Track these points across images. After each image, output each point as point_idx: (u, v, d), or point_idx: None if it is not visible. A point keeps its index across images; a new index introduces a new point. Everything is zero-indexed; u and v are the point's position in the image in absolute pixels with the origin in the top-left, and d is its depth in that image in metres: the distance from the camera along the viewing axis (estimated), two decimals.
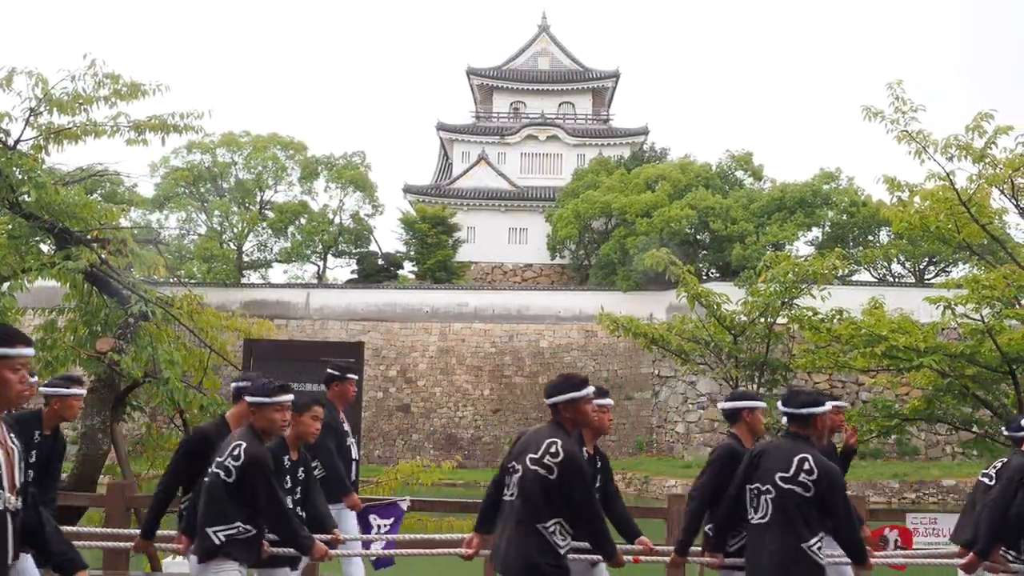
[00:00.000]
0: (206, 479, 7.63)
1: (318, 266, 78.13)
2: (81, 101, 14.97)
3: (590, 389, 7.86)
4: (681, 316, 22.90)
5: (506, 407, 61.44)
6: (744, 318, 21.62)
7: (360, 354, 14.17)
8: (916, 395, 21.60)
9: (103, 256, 15.11)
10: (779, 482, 7.88)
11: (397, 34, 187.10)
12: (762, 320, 21.48)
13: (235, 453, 7.53)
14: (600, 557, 8.20)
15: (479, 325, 64.64)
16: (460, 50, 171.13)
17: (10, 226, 15.22)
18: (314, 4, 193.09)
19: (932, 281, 60.92)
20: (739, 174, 72.95)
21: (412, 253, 75.00)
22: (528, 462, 7.51)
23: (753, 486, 8.09)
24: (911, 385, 21.14)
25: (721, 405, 9.41)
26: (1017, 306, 18.20)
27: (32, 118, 15.03)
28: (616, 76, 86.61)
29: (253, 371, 13.74)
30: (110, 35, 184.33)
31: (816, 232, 67.63)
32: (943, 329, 19.70)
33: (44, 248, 15.79)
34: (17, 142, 14.90)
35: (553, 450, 7.48)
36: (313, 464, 9.27)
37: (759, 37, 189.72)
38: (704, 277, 59.85)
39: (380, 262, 75.53)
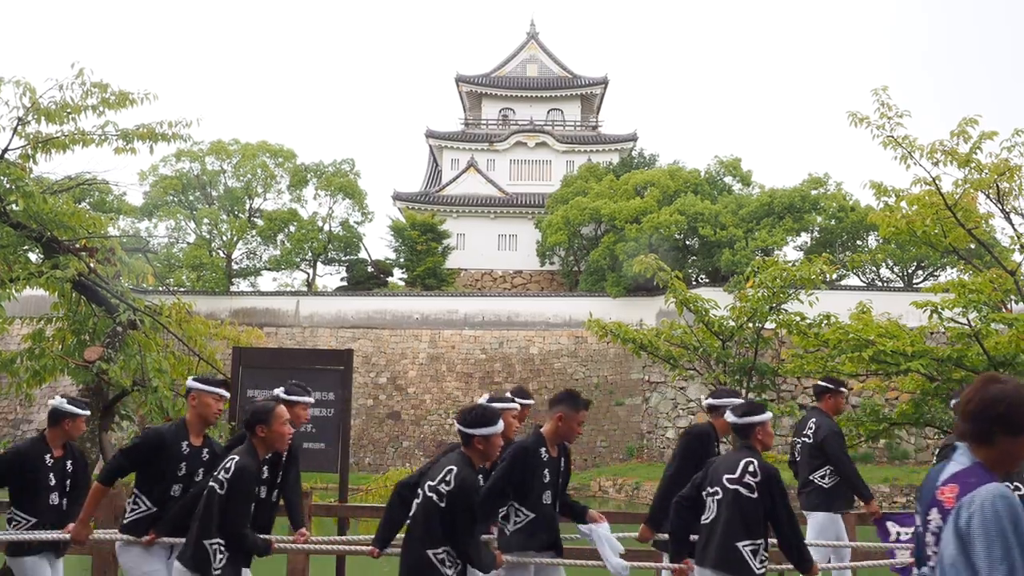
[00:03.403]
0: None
1: (307, 274, 78.15)
2: (69, 110, 14.96)
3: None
4: (670, 321, 22.92)
5: None
6: (732, 323, 21.65)
7: (349, 361, 14.21)
8: (905, 399, 21.66)
9: (91, 265, 15.11)
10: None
11: (386, 42, 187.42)
12: (750, 325, 21.51)
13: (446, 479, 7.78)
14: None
15: (469, 332, 64.68)
16: (449, 57, 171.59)
17: None
18: (303, 13, 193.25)
19: (920, 285, 61.15)
20: (728, 179, 73.15)
21: (402, 260, 75.15)
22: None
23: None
24: (899, 389, 21.17)
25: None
26: (1003, 310, 18.29)
27: (20, 127, 15.02)
28: (605, 82, 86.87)
29: (241, 380, 13.78)
30: (99, 45, 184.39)
31: (805, 237, 67.89)
32: (932, 333, 19.76)
33: (32, 257, 15.77)
34: (4, 151, 14.89)
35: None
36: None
37: (746, 43, 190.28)
38: (693, 283, 60.04)
39: (370, 269, 75.61)
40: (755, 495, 8.17)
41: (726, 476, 8.33)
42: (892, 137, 17.65)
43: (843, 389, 12.48)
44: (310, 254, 75.56)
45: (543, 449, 8.92)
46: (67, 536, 9.51)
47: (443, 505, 7.61)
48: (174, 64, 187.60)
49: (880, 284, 67.22)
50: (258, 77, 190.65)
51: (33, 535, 9.60)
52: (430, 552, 7.58)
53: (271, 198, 77.42)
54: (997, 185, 17.65)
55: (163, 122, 15.64)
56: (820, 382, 12.67)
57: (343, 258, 76.97)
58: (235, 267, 75.04)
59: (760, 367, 22.14)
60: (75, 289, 15.09)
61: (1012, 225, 18.41)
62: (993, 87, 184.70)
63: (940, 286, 19.61)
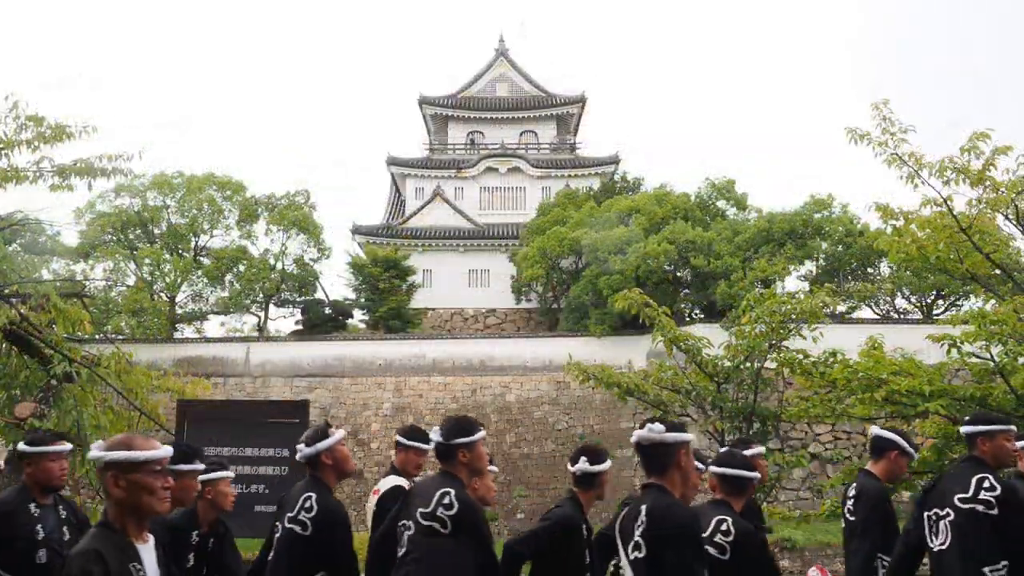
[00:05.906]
0: None
1: (259, 317, 77.74)
2: (1, 145, 15.05)
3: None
4: (659, 363, 22.88)
5: None
6: (728, 363, 21.61)
7: (305, 413, 14.16)
8: (928, 444, 21.69)
9: (23, 312, 15.09)
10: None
11: (343, 67, 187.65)
12: (748, 364, 21.48)
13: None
14: None
15: (438, 378, 64.39)
16: (410, 81, 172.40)
17: None
18: (252, 36, 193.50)
19: (940, 316, 61.34)
20: (721, 204, 72.60)
21: (362, 300, 74.65)
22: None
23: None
24: (921, 434, 21.18)
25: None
26: None
27: None
28: (582, 101, 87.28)
29: (187, 436, 13.75)
30: (35, 78, 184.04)
31: (809, 265, 67.48)
32: (958, 370, 19.65)
33: None
34: None
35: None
36: None
37: (734, 53, 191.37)
38: (687, 318, 60.01)
39: (327, 311, 75.19)
40: None
41: None
42: (896, 155, 17.56)
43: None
44: (261, 295, 75.14)
45: None
46: None
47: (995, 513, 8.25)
48: (110, 95, 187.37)
49: (897, 316, 67.20)
50: (204, 103, 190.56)
51: None
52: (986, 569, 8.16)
53: (219, 235, 77.19)
54: (1016, 204, 17.63)
55: (102, 156, 15.68)
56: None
57: (298, 299, 76.57)
58: (179, 311, 74.71)
59: (761, 411, 22.13)
60: (6, 339, 15.07)
61: None
62: (1005, 101, 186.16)
63: (959, 317, 19.59)
